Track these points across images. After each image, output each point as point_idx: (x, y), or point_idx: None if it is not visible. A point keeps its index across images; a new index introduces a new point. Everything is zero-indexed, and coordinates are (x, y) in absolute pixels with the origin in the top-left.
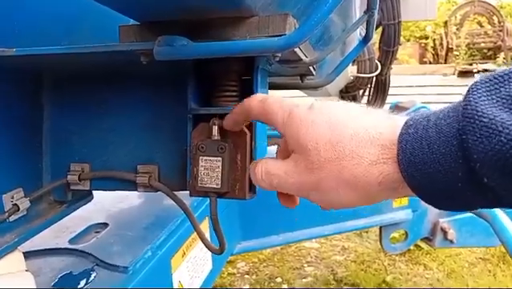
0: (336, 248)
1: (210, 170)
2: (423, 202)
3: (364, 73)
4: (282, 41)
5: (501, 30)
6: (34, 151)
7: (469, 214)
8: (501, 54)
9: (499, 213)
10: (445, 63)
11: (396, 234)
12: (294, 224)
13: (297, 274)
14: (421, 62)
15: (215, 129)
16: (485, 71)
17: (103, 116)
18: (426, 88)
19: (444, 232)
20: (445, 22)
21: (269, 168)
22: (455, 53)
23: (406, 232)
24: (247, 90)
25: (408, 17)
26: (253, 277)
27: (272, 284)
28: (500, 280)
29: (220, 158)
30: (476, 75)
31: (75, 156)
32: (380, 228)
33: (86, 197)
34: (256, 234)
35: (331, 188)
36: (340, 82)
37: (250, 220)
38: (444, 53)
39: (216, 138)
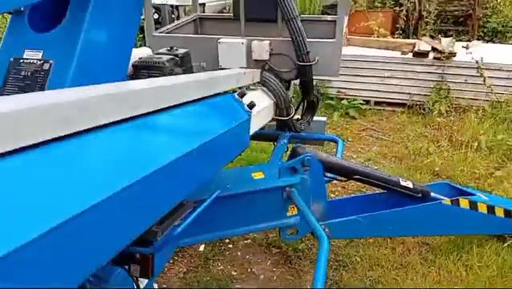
0: None
1: None
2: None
3: (282, 116)
4: None
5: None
6: None
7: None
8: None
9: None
10: (415, 31)
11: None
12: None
13: (241, 237)
14: (393, 30)
15: None
16: (436, 51)
17: None
18: (377, 64)
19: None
20: None
21: None
22: (426, 20)
23: (297, 229)
24: None
25: (318, 74)
26: None
27: (221, 244)
28: None
29: None
30: (430, 54)
31: None
32: (279, 228)
33: None
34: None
35: None
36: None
37: None
38: (414, 21)
39: None
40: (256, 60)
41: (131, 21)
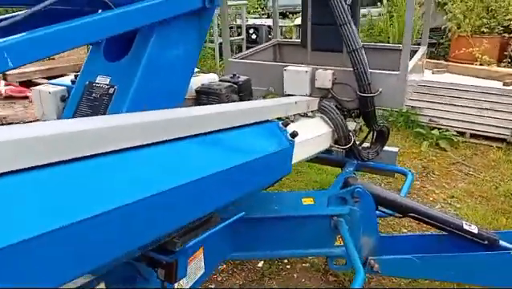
0: None
1: None
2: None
3: (340, 145)
4: None
5: None
6: None
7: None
8: None
9: None
10: None
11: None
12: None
13: (299, 259)
14: (500, 58)
15: None
16: None
17: None
18: (476, 94)
19: (371, 266)
20: None
21: None
22: None
23: (346, 260)
24: None
25: (381, 105)
26: None
27: (280, 264)
28: None
29: None
30: None
31: None
32: (327, 257)
33: None
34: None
35: None
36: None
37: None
38: None
39: None
40: (319, 88)
41: (190, 53)
